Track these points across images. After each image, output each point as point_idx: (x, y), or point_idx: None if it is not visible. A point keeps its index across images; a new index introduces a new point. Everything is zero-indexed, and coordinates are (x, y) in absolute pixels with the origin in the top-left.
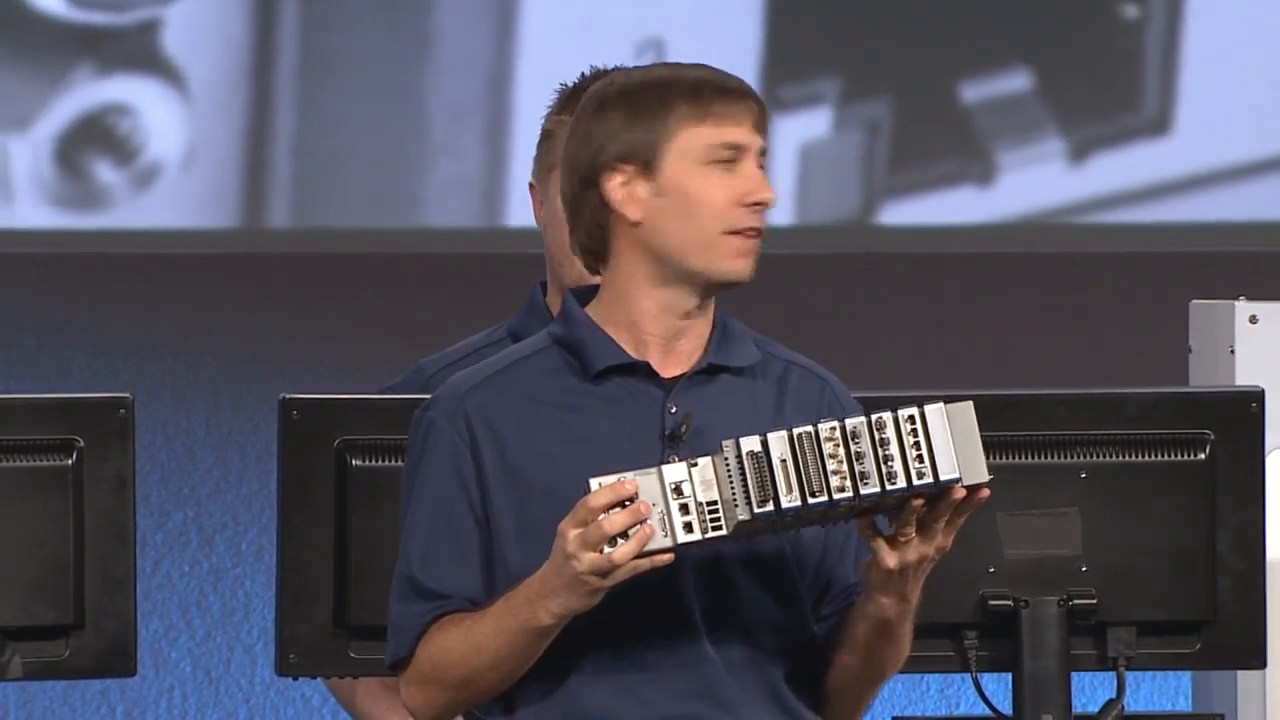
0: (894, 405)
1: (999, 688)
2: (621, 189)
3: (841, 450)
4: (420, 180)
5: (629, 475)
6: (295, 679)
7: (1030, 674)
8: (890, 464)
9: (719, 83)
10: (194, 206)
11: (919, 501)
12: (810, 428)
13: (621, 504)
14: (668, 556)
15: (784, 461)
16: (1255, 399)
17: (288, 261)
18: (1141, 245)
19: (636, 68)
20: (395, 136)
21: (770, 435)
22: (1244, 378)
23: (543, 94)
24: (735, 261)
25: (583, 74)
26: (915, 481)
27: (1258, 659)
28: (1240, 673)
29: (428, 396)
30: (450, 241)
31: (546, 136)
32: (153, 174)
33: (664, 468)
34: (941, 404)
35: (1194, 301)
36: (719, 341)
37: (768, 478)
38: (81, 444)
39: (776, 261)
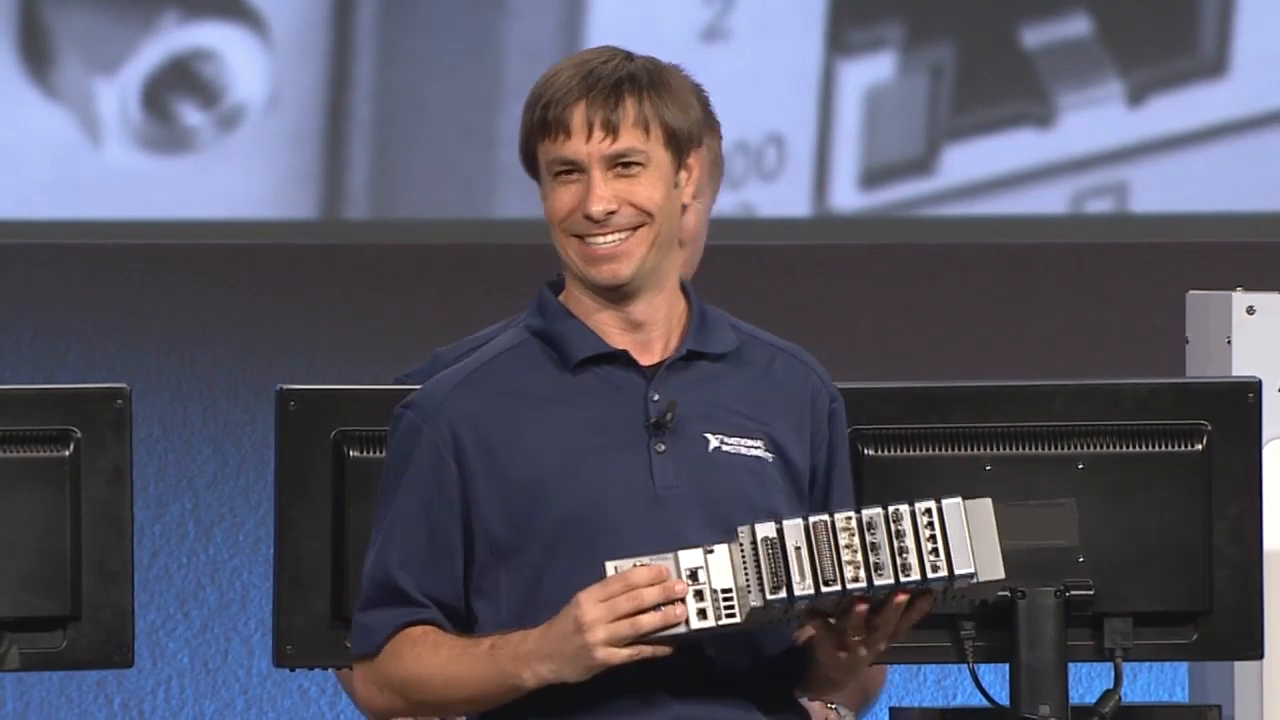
0: (910, 498)
1: (996, 678)
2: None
3: (856, 540)
4: (494, 123)
5: (646, 560)
6: (292, 670)
7: (1027, 665)
8: (905, 556)
9: (559, 94)
10: (276, 149)
11: (862, 607)
12: (826, 516)
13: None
14: (666, 649)
15: (799, 549)
16: (1252, 389)
17: (284, 253)
18: (1138, 235)
19: (574, 56)
20: (471, 79)
21: (786, 522)
22: (1241, 368)
23: (613, 38)
24: (587, 269)
25: None
26: (930, 575)
27: (1254, 650)
28: (1237, 664)
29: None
30: (452, 232)
31: None
32: (236, 117)
33: (680, 554)
34: (959, 499)
35: (1191, 292)
36: (697, 328)
37: (781, 565)
38: (79, 435)
39: (744, 252)
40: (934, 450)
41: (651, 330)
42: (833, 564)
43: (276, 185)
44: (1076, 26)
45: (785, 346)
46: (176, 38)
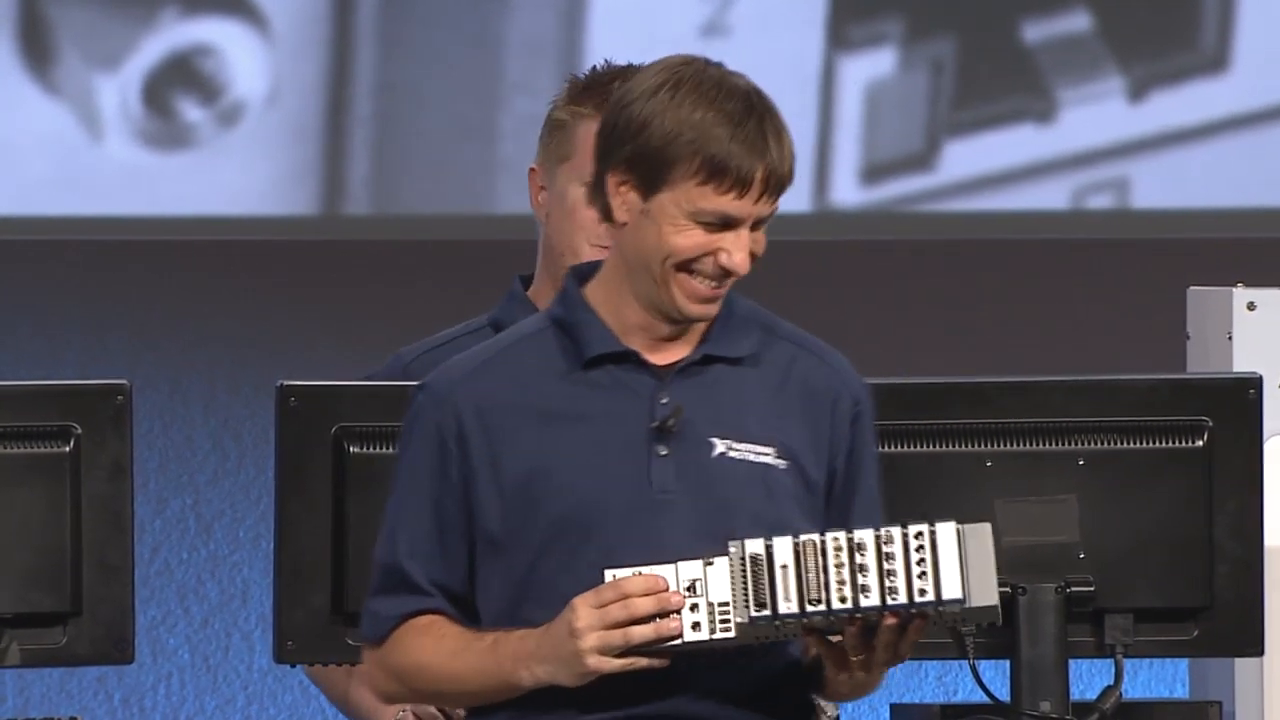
0: (904, 521)
1: (997, 675)
2: (619, 188)
3: (846, 560)
4: (495, 118)
5: (648, 569)
6: (293, 666)
7: (1028, 661)
8: (893, 579)
9: (743, 150)
10: (276, 144)
11: (853, 628)
12: (817, 536)
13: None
14: (663, 661)
15: (785, 567)
16: (1253, 385)
17: (284, 248)
18: (1139, 231)
19: (711, 72)
20: (472, 74)
21: (776, 539)
22: (1241, 364)
23: (614, 33)
24: (689, 305)
25: (594, 68)
26: (917, 598)
27: (1255, 646)
28: (1237, 660)
29: (413, 383)
30: (453, 228)
31: (559, 126)
32: (236, 112)
33: (680, 565)
34: (954, 523)
35: (1192, 288)
36: (720, 330)
37: (765, 582)
38: (79, 431)
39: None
40: (934, 446)
41: (679, 332)
42: (819, 584)
43: (276, 181)
44: (1077, 22)
45: (811, 346)
46: (177, 33)
